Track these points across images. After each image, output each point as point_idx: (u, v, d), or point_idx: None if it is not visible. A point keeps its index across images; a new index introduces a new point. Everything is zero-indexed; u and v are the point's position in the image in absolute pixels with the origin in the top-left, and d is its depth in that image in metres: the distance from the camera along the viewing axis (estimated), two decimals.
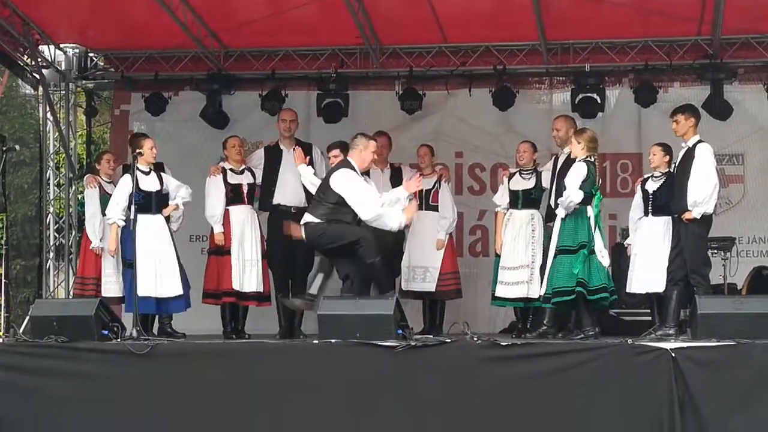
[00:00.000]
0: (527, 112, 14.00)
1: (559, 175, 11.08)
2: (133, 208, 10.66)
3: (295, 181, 11.76)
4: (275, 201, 11.89)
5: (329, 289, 10.91)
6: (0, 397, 9.87)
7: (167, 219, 11.49)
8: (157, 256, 11.07)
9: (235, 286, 11.58)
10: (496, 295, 11.62)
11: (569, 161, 10.88)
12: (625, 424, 9.26)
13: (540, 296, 10.87)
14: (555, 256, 10.55)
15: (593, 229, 10.57)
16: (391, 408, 9.53)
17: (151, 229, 11.08)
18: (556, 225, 10.66)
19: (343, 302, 10.18)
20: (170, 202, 11.34)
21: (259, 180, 11.98)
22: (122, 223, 10.92)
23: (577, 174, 10.54)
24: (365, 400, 9.56)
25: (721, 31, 12.86)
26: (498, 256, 11.68)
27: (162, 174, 11.40)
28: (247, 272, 11.64)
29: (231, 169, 11.83)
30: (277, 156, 12.03)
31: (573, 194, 10.46)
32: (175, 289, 11.18)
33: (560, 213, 10.61)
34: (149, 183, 11.14)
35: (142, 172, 11.08)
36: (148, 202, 11.09)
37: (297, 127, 12.20)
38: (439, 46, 13.78)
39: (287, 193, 11.86)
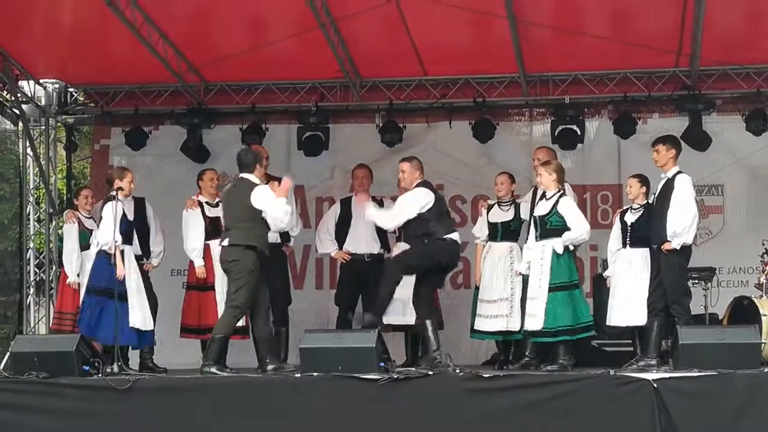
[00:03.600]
0: (507, 143, 14.04)
1: (535, 207, 11.10)
2: (119, 238, 10.68)
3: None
4: None
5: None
6: None
7: (147, 254, 11.55)
8: (138, 288, 11.04)
9: None
10: (474, 328, 11.58)
11: (545, 195, 10.91)
12: None
13: (524, 330, 10.87)
14: (551, 291, 10.58)
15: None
16: None
17: (131, 260, 11.04)
18: (548, 258, 10.64)
19: (324, 335, 10.18)
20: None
21: None
22: (122, 247, 10.80)
23: (575, 210, 10.66)
24: None
25: (699, 62, 12.95)
26: (477, 288, 11.68)
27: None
28: None
29: (207, 203, 11.81)
30: None
31: (585, 232, 10.69)
32: (151, 321, 11.15)
33: (558, 248, 10.62)
34: (129, 214, 11.13)
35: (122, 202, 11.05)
36: (131, 233, 11.08)
37: (269, 163, 12.20)
38: (419, 79, 13.83)
39: None
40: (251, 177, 10.75)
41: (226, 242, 10.62)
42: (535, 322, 10.62)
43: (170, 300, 12.02)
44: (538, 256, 10.75)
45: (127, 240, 10.98)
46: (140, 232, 11.58)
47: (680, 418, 9.19)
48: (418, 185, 11.06)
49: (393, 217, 11.07)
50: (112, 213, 10.78)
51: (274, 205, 10.50)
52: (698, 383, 9.31)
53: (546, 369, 10.50)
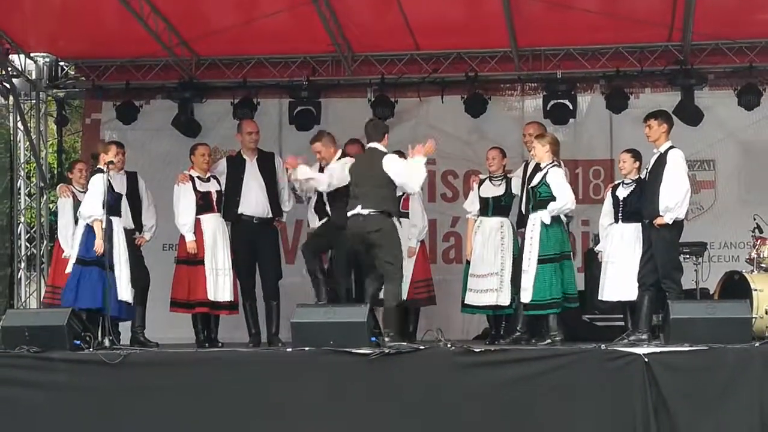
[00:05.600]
0: (499, 118, 14.03)
1: (529, 181, 11.11)
2: (101, 211, 10.66)
3: (258, 191, 11.80)
4: (239, 211, 11.87)
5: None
6: None
7: (139, 228, 11.54)
8: (126, 259, 11.03)
9: (210, 297, 11.53)
10: (465, 302, 11.62)
11: (539, 167, 10.93)
12: (599, 429, 9.29)
13: (517, 302, 10.91)
14: (541, 263, 10.59)
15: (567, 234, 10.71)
16: (365, 415, 9.54)
17: (120, 232, 11.02)
18: (538, 231, 10.67)
19: (316, 310, 10.19)
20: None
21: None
22: (103, 219, 10.73)
23: (562, 180, 10.65)
24: (339, 407, 9.56)
25: (692, 37, 12.92)
26: (468, 263, 11.69)
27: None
28: (220, 282, 11.59)
29: (198, 177, 11.76)
30: (240, 166, 12.01)
31: (570, 202, 10.64)
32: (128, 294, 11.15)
33: (546, 219, 10.64)
34: (118, 186, 11.10)
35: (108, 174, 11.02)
36: (119, 205, 11.05)
37: (259, 138, 12.19)
38: (410, 54, 13.80)
39: (251, 203, 11.85)
40: (379, 146, 10.80)
41: (359, 210, 10.58)
42: (526, 294, 10.66)
43: (162, 274, 12.01)
44: (529, 228, 10.78)
45: (115, 212, 10.94)
46: (132, 206, 11.59)
47: (671, 392, 9.22)
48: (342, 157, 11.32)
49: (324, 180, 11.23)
50: (96, 186, 10.78)
51: (406, 171, 10.61)
52: (689, 358, 9.33)
53: (537, 343, 10.52)
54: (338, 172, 11.16)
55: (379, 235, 10.53)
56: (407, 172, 10.62)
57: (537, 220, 10.72)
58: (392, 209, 10.68)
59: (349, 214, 10.70)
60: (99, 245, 10.68)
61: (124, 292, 10.85)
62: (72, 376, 9.86)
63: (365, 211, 10.55)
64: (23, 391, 9.86)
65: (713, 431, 9.19)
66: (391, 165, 10.63)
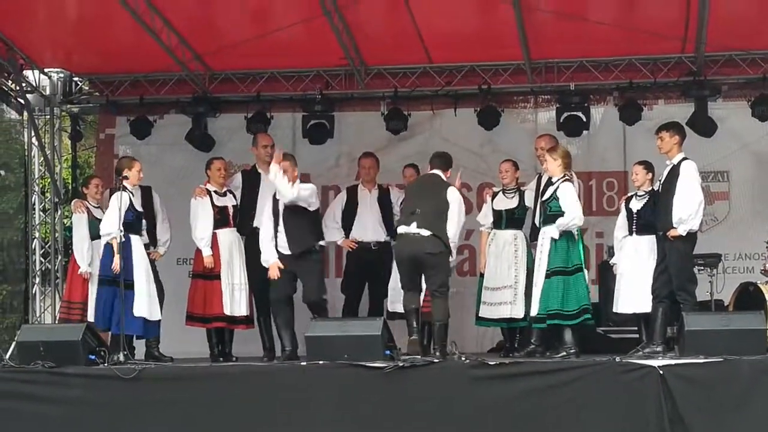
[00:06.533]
0: (512, 131, 14.01)
1: (542, 194, 11.10)
2: (121, 229, 10.68)
3: None
4: (254, 225, 11.88)
5: None
6: None
7: (153, 243, 11.56)
8: (147, 277, 11.04)
9: (226, 311, 11.55)
10: (479, 315, 11.63)
11: (551, 181, 10.91)
12: None
13: (529, 316, 10.90)
14: (548, 277, 10.57)
15: (581, 247, 10.67)
16: (380, 428, 9.53)
17: (140, 249, 11.04)
18: (547, 245, 10.66)
19: (330, 324, 10.19)
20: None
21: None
22: (122, 239, 10.77)
23: (571, 195, 10.62)
24: (354, 421, 9.57)
25: (705, 48, 12.91)
26: (482, 275, 11.68)
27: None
28: (236, 296, 11.61)
29: (215, 191, 11.79)
30: (255, 180, 12.06)
31: (578, 218, 10.60)
32: (158, 312, 11.14)
33: (554, 234, 10.62)
34: (136, 204, 11.12)
35: (130, 192, 11.04)
36: (138, 223, 11.07)
37: (275, 151, 12.21)
38: (423, 67, 13.80)
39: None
40: (442, 175, 10.94)
41: (414, 228, 10.59)
42: (533, 308, 10.67)
43: (176, 289, 12.03)
44: (539, 242, 10.77)
45: (134, 230, 10.96)
46: (147, 221, 11.61)
47: (686, 404, 9.20)
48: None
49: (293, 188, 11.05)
50: (116, 204, 10.79)
51: (460, 213, 10.75)
52: (704, 369, 9.32)
53: (552, 356, 10.50)
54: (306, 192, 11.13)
55: (437, 259, 10.54)
56: (460, 217, 10.76)
57: (547, 234, 10.71)
58: (444, 236, 10.61)
59: (400, 230, 10.72)
60: (116, 263, 10.71)
61: (143, 309, 10.84)
62: (87, 391, 9.88)
63: (420, 231, 10.56)
64: (38, 406, 9.89)
65: None
66: (455, 199, 10.75)
